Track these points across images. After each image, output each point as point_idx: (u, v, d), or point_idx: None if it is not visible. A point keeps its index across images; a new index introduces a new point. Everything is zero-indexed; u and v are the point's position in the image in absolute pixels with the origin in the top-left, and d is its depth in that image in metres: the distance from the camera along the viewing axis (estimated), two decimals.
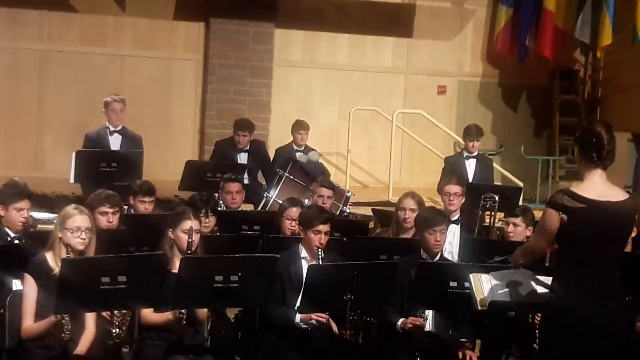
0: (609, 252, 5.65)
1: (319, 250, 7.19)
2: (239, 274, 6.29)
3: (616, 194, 5.68)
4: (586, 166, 5.67)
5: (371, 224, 10.02)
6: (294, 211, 8.17)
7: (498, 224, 10.03)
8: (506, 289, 6.08)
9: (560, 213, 5.57)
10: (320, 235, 7.26)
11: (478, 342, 7.62)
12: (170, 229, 6.92)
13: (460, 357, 7.11)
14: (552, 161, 15.22)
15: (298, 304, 7.02)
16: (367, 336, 7.54)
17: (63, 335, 6.13)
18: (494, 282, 6.14)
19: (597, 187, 5.62)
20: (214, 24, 14.47)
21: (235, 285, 6.29)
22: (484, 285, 6.19)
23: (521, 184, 13.40)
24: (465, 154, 11.57)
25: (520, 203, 10.85)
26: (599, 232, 5.56)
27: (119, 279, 5.95)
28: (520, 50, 15.44)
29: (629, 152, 15.78)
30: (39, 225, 8.17)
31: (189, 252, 6.73)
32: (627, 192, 5.87)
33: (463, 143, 11.94)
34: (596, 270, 5.61)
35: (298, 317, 7.04)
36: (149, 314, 6.67)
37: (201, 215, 7.66)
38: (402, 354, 7.08)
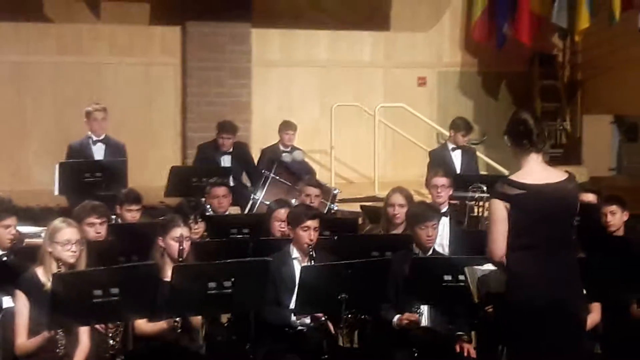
0: (556, 234, 5.69)
1: (310, 248, 7.20)
2: (232, 280, 6.29)
3: (555, 176, 5.76)
4: (521, 154, 5.76)
5: (359, 220, 10.01)
6: (282, 212, 8.14)
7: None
8: (501, 280, 6.06)
9: (504, 202, 5.64)
10: (309, 231, 7.29)
11: (474, 333, 7.59)
12: (161, 237, 6.89)
13: (458, 350, 7.13)
14: None
15: (292, 305, 7.00)
16: (363, 334, 7.50)
17: (57, 350, 6.11)
18: (488, 273, 6.12)
19: (535, 172, 5.71)
20: (190, 27, 14.40)
21: (229, 290, 6.28)
22: (477, 277, 6.18)
23: (507, 172, 13.37)
24: (451, 146, 11.55)
25: None
26: (542, 216, 5.62)
27: (111, 291, 5.92)
28: (498, 37, 15.40)
29: (611, 135, 15.84)
30: (26, 240, 8.13)
31: (180, 259, 6.70)
32: (566, 171, 5.90)
33: (446, 134, 11.91)
34: (545, 254, 5.66)
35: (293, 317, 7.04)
36: (143, 324, 6.64)
37: (190, 221, 7.61)
38: (399, 351, 7.07)
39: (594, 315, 7.16)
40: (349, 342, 7.04)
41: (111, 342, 6.33)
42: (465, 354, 7.12)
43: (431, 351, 7.08)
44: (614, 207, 8.32)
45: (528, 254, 5.67)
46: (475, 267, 6.23)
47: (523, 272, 5.67)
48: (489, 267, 6.10)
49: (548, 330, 5.62)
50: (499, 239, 5.73)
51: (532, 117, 5.80)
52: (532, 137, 5.72)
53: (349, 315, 7.00)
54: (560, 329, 5.64)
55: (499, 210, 5.69)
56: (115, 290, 5.92)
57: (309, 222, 7.31)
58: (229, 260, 6.56)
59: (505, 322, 5.82)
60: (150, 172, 12.61)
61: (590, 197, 8.80)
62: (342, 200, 11.76)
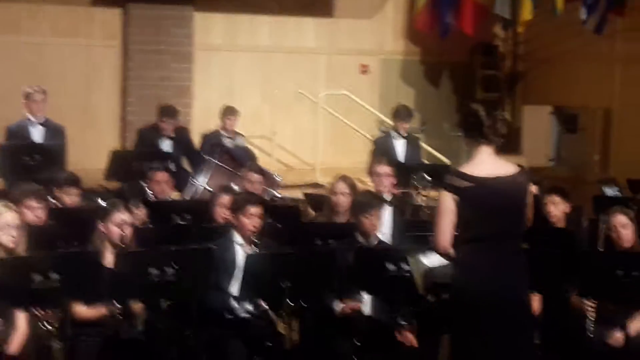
0: (505, 227, 5.68)
1: (254, 235, 7.16)
2: (175, 267, 6.23)
3: (506, 169, 5.74)
4: (472, 146, 5.74)
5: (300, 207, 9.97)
6: (226, 198, 8.10)
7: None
8: (444, 270, 6.06)
9: (452, 194, 5.63)
10: (253, 218, 7.28)
11: (416, 323, 7.59)
12: (102, 223, 6.80)
13: (400, 339, 7.12)
14: None
15: (236, 292, 6.99)
16: (304, 323, 7.47)
17: None
18: (432, 263, 6.13)
19: (485, 165, 5.69)
20: (132, 9, 14.23)
21: (172, 278, 6.23)
22: (422, 267, 6.19)
23: (447, 160, 13.43)
24: (394, 134, 11.55)
25: None
26: (491, 209, 5.61)
27: (51, 277, 5.86)
28: (441, 27, 15.36)
29: (550, 125, 15.95)
30: None
31: (122, 245, 6.63)
32: (518, 165, 5.87)
33: (386, 122, 11.90)
34: (494, 246, 5.65)
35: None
36: (81, 310, 6.57)
37: (131, 206, 7.52)
38: (340, 340, 7.05)
39: (534, 306, 7.19)
40: (289, 330, 7.02)
41: (49, 327, 6.25)
42: (407, 343, 7.12)
43: (373, 340, 7.09)
44: (555, 198, 8.33)
45: (477, 246, 5.65)
46: (420, 256, 6.23)
47: (472, 264, 5.65)
48: (433, 256, 6.10)
49: (496, 321, 5.61)
50: (445, 231, 5.70)
51: (483, 109, 5.74)
52: (483, 129, 5.69)
53: (291, 304, 6.99)
54: (508, 320, 5.63)
55: (447, 202, 5.66)
56: (55, 276, 5.87)
57: (253, 210, 7.29)
58: (173, 247, 6.50)
59: (453, 313, 5.80)
60: (89, 155, 12.44)
61: (531, 188, 8.81)
62: (284, 187, 11.72)
